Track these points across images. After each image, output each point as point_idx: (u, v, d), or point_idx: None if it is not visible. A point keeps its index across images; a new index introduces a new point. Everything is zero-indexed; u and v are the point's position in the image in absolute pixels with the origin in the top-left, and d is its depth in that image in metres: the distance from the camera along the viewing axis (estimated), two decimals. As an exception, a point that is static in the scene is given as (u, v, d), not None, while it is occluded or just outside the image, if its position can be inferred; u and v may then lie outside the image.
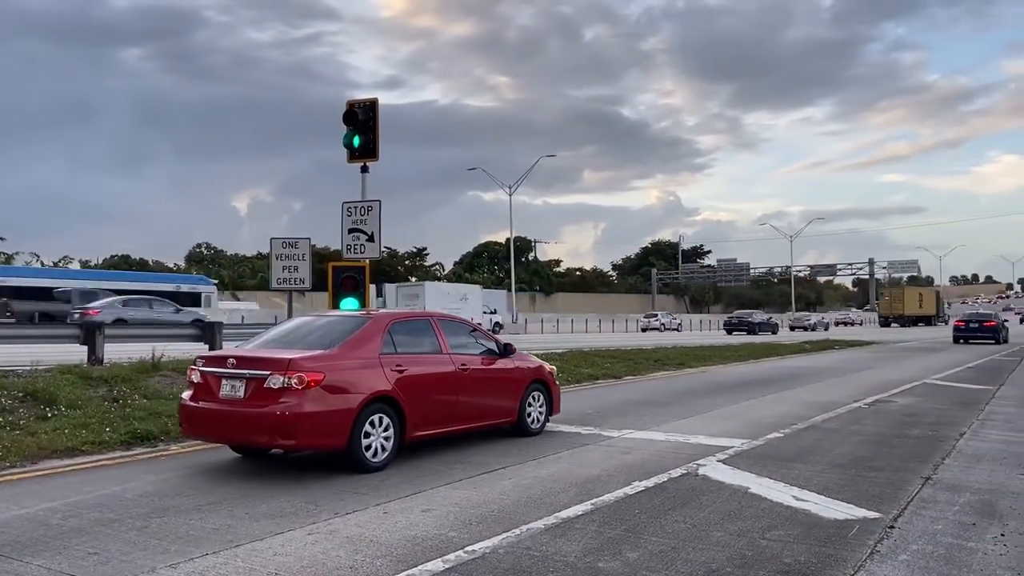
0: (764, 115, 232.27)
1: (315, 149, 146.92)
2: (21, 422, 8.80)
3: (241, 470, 7.52)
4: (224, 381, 7.29)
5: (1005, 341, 36.75)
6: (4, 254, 65.87)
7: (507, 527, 5.41)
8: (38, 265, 63.41)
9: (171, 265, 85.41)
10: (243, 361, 7.34)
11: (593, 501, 6.15)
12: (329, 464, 7.55)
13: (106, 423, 9.03)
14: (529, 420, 9.48)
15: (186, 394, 7.75)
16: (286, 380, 6.95)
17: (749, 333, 52.60)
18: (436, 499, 6.27)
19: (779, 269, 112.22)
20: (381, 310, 8.73)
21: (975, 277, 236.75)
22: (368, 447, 7.30)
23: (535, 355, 10.59)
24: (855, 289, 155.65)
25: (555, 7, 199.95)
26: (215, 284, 50.00)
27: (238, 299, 61.05)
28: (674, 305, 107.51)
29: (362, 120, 12.65)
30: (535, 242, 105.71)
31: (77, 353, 13.21)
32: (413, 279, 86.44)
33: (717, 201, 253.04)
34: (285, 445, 7.21)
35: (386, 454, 7.45)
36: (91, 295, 32.29)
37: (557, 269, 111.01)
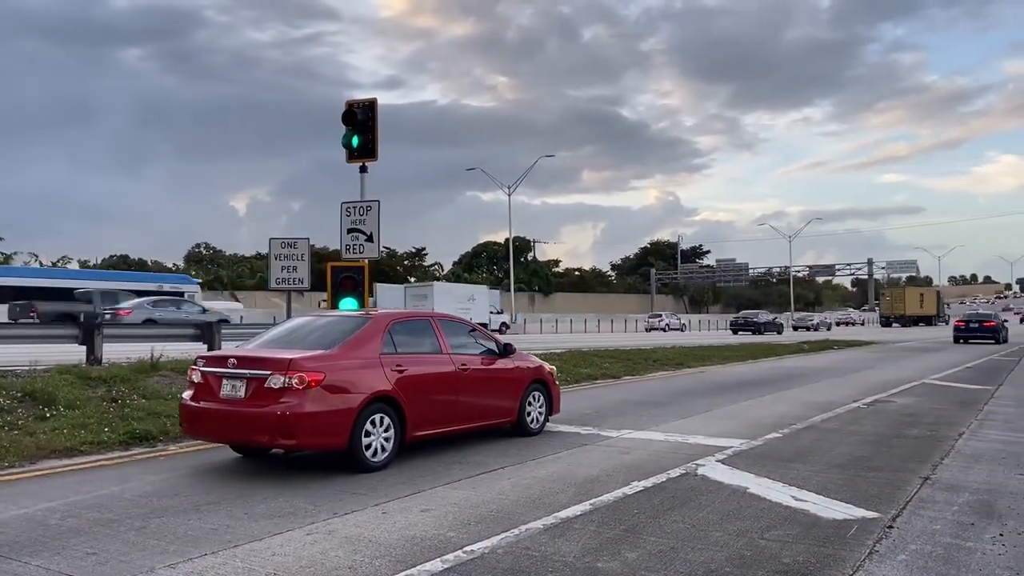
0: (763, 115, 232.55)
1: (314, 149, 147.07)
2: (20, 422, 8.79)
3: (240, 470, 7.51)
4: (225, 381, 7.30)
5: (1005, 341, 36.89)
6: (3, 254, 65.85)
7: (506, 527, 5.41)
8: (36, 265, 63.38)
9: (170, 265, 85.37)
10: (244, 361, 7.34)
11: (592, 501, 6.15)
12: (328, 464, 7.55)
13: (105, 423, 9.02)
14: (529, 420, 9.49)
15: (187, 394, 7.76)
16: (287, 380, 6.95)
17: (755, 333, 52.70)
18: (435, 499, 6.27)
19: (778, 269, 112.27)
20: (380, 310, 8.72)
21: (974, 277, 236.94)
22: (368, 446, 7.31)
23: (534, 355, 10.59)
24: (854, 289, 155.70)
25: (554, 7, 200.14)
26: (199, 283, 49.18)
27: (237, 299, 60.95)
28: (673, 305, 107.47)
29: (361, 120, 12.65)
30: (534, 242, 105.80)
31: (76, 353, 13.20)
32: (412, 279, 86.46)
33: (716, 201, 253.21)
34: (286, 445, 7.21)
35: (386, 454, 7.45)
36: (112, 296, 32.81)
37: (556, 269, 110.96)
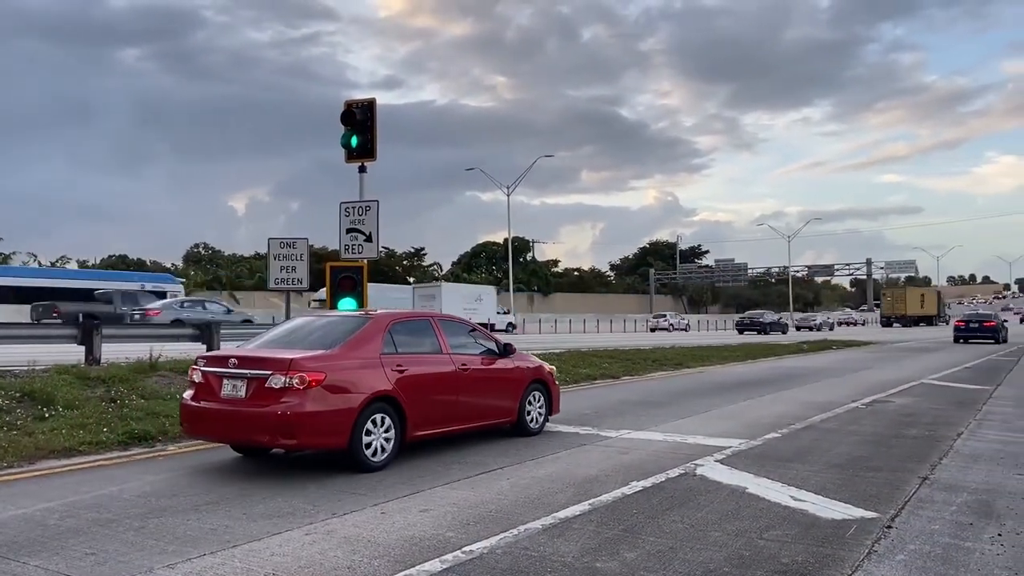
0: (762, 115, 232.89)
1: (313, 149, 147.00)
2: (18, 422, 8.79)
3: (239, 470, 7.51)
4: (225, 381, 7.31)
5: (1004, 341, 37.09)
6: (1, 254, 65.77)
7: (505, 527, 5.41)
8: (35, 265, 63.31)
9: (168, 265, 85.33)
10: (244, 361, 7.35)
11: (591, 501, 6.15)
12: (327, 464, 7.55)
13: (103, 423, 9.01)
14: (529, 420, 9.49)
15: (187, 394, 7.76)
16: (287, 380, 6.96)
17: (760, 333, 53.27)
18: (434, 499, 6.27)
19: (777, 269, 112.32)
20: (380, 310, 8.72)
21: (972, 277, 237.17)
22: (369, 446, 7.32)
23: (534, 355, 10.59)
24: (853, 289, 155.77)
25: (553, 7, 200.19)
26: (182, 283, 48.44)
27: (236, 300, 60.90)
28: (672, 305, 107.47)
29: (360, 120, 12.65)
30: (533, 242, 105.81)
31: (74, 353, 13.19)
32: (411, 279, 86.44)
33: (715, 201, 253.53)
34: (286, 445, 7.22)
35: (387, 454, 7.46)
36: (132, 296, 33.23)
37: (555, 269, 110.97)
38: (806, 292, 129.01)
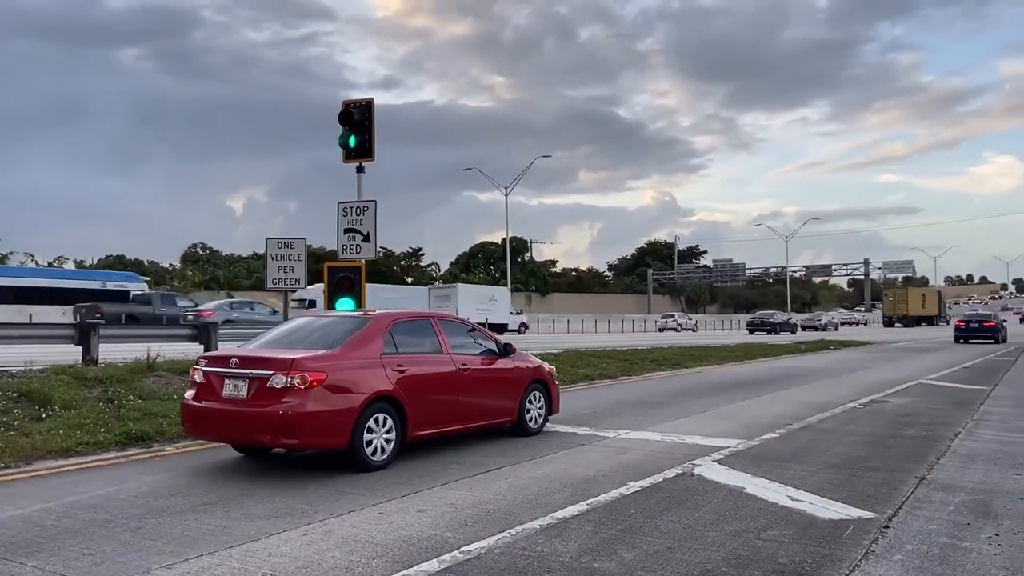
0: (760, 116, 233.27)
1: (311, 149, 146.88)
2: (15, 423, 8.77)
3: (237, 471, 7.50)
4: (227, 381, 7.32)
5: (1004, 341, 37.46)
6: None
7: (503, 527, 5.41)
8: (33, 265, 63.19)
9: (166, 265, 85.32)
10: (246, 361, 7.37)
11: (589, 501, 6.15)
12: (325, 464, 7.55)
13: (101, 424, 9.00)
14: (529, 420, 9.50)
15: (189, 394, 7.77)
16: (289, 380, 6.98)
17: (770, 333, 54.29)
18: (432, 499, 6.26)
19: (775, 269, 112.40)
20: (379, 311, 8.72)
21: (970, 278, 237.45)
22: (369, 444, 7.33)
23: (533, 355, 10.59)
24: (850, 289, 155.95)
25: (551, 7, 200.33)
26: (146, 281, 47.52)
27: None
28: (670, 305, 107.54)
29: (358, 120, 12.64)
30: (531, 242, 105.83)
31: (72, 353, 13.17)
32: (409, 280, 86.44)
33: (713, 202, 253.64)
34: (288, 444, 7.23)
35: (388, 454, 7.48)
36: (170, 298, 33.84)
37: (553, 269, 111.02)
38: (804, 292, 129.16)
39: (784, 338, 44.92)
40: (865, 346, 34.61)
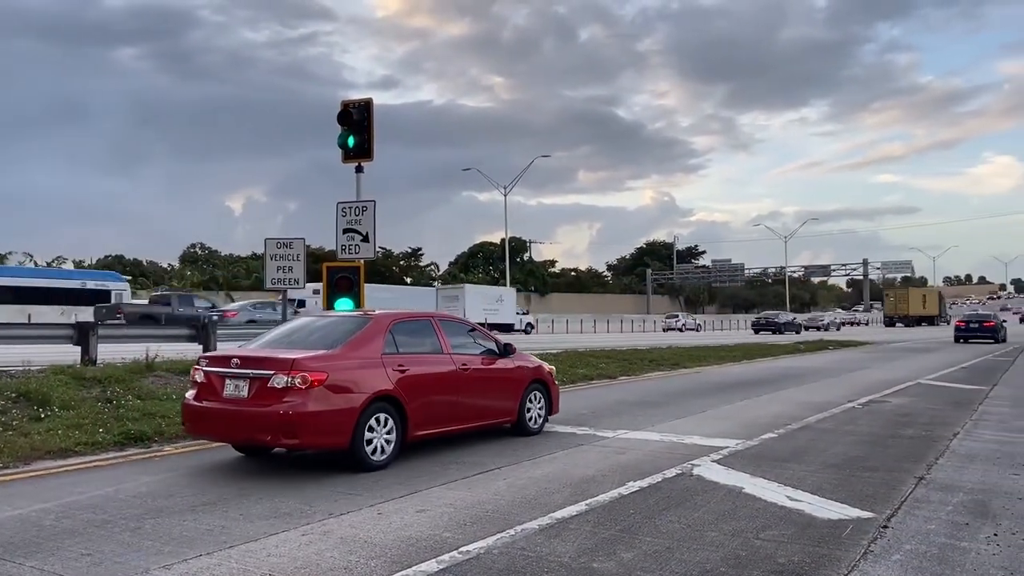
0: (759, 116, 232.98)
1: (310, 149, 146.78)
2: (14, 423, 8.77)
3: (235, 471, 7.50)
4: (228, 381, 7.33)
5: (1003, 340, 37.73)
6: (-3, 254, 65.58)
7: (501, 527, 5.41)
8: (31, 265, 63.14)
9: (165, 265, 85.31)
10: (247, 361, 7.38)
11: (588, 501, 6.15)
12: (324, 465, 7.55)
13: (99, 424, 9.00)
14: (529, 420, 9.51)
15: (190, 393, 7.79)
16: (290, 380, 6.99)
17: (775, 332, 54.78)
18: (431, 499, 6.26)
19: (773, 270, 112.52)
20: (379, 311, 8.71)
21: (968, 278, 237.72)
22: (370, 443, 7.34)
23: (533, 355, 10.59)
24: (849, 290, 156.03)
25: (550, 7, 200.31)
26: (127, 281, 46.87)
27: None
28: (669, 305, 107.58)
29: (357, 120, 12.64)
30: (530, 242, 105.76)
31: (71, 354, 13.16)
32: (408, 280, 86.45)
33: (712, 202, 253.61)
34: (289, 444, 7.24)
35: (388, 453, 7.49)
36: (188, 299, 34.17)
37: (552, 269, 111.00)
38: (802, 292, 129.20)
39: (783, 338, 45.04)
40: (864, 346, 34.65)
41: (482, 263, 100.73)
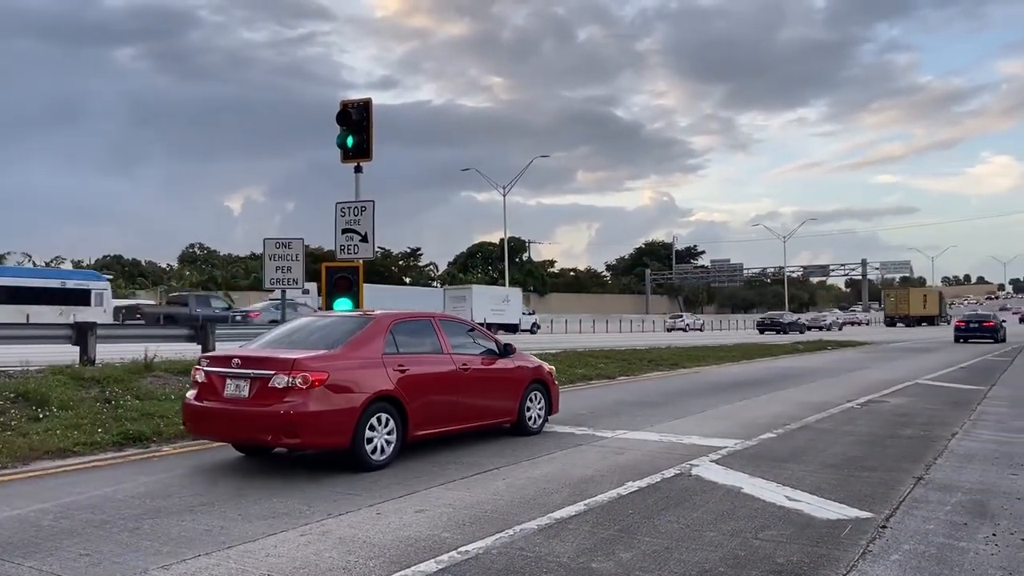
0: (757, 116, 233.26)
1: (309, 149, 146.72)
2: (12, 423, 8.76)
3: (234, 471, 7.50)
4: (229, 381, 7.34)
5: (1003, 340, 37.93)
6: (-4, 254, 65.49)
7: (500, 528, 5.41)
8: (30, 265, 63.08)
9: (163, 265, 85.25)
10: (248, 361, 7.39)
11: (586, 501, 6.15)
12: (322, 465, 7.54)
13: (98, 424, 8.99)
14: (529, 420, 9.52)
15: (190, 393, 7.80)
16: (291, 380, 7.00)
17: (780, 332, 55.54)
18: (429, 500, 6.26)
19: (772, 270, 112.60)
20: (379, 311, 8.71)
21: (967, 278, 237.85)
22: (371, 442, 7.35)
23: (532, 355, 10.59)
24: (848, 290, 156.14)
25: (549, 8, 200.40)
26: (108, 280, 45.79)
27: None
28: (668, 306, 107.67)
29: (356, 120, 12.64)
30: (529, 242, 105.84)
31: (69, 354, 13.15)
32: (407, 280, 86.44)
33: (711, 202, 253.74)
34: (289, 444, 7.24)
35: (388, 453, 7.50)
36: (204, 300, 34.47)
37: (551, 269, 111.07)
38: (801, 292, 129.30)
39: (783, 338, 45.13)
40: (863, 346, 34.67)
41: (481, 263, 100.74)
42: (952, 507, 6.09)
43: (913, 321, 76.21)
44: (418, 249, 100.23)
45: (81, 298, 36.64)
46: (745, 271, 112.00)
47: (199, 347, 14.41)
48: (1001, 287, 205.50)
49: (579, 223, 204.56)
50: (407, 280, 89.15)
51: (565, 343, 31.49)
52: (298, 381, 6.99)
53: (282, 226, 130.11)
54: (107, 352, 13.56)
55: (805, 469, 7.49)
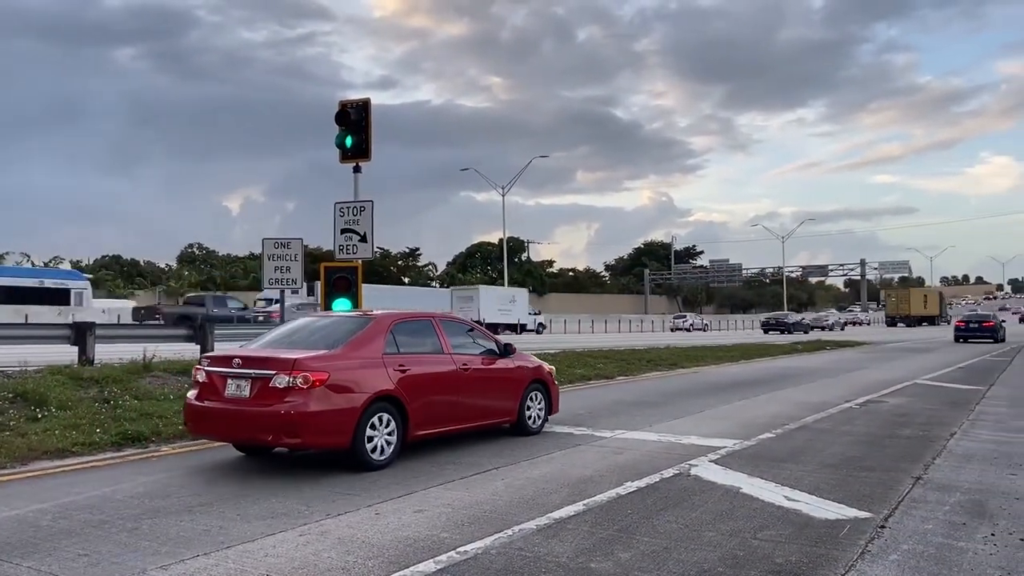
0: (756, 116, 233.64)
1: (308, 149, 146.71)
2: (11, 423, 8.75)
3: (233, 471, 7.49)
4: (230, 380, 7.34)
5: (1002, 340, 38.11)
6: (-6, 254, 65.43)
7: (499, 528, 5.41)
8: (28, 265, 63.02)
9: (162, 265, 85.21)
10: (249, 361, 7.39)
11: (585, 501, 6.15)
12: (321, 465, 7.54)
13: (97, 424, 8.98)
14: (529, 420, 9.52)
15: (191, 393, 7.81)
16: (291, 379, 7.01)
17: (784, 332, 56.16)
18: (428, 500, 6.26)
19: (771, 270, 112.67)
20: (378, 311, 8.71)
21: (965, 278, 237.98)
22: (371, 442, 7.36)
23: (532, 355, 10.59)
24: (847, 290, 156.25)
25: (548, 8, 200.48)
26: (88, 279, 45.84)
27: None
28: (667, 306, 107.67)
29: (354, 120, 12.64)
30: (528, 242, 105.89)
31: (68, 354, 13.15)
32: (406, 280, 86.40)
33: (709, 202, 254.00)
34: (290, 444, 7.25)
35: (388, 454, 7.50)
36: (222, 300, 35.15)
37: (550, 270, 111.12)
38: (800, 292, 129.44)
39: (783, 338, 45.13)
40: (861, 346, 34.68)
41: (480, 263, 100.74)
42: (951, 507, 6.09)
43: (914, 321, 76.76)
44: (417, 249, 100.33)
45: (61, 297, 36.41)
46: (744, 271, 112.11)
47: (197, 347, 14.41)
48: (1000, 287, 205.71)
49: (578, 223, 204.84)
50: (406, 280, 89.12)
51: (564, 343, 31.48)
52: (299, 381, 7.00)
53: (281, 226, 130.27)
54: (106, 352, 13.55)
55: (804, 469, 7.49)
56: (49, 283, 38.45)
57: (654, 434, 9.60)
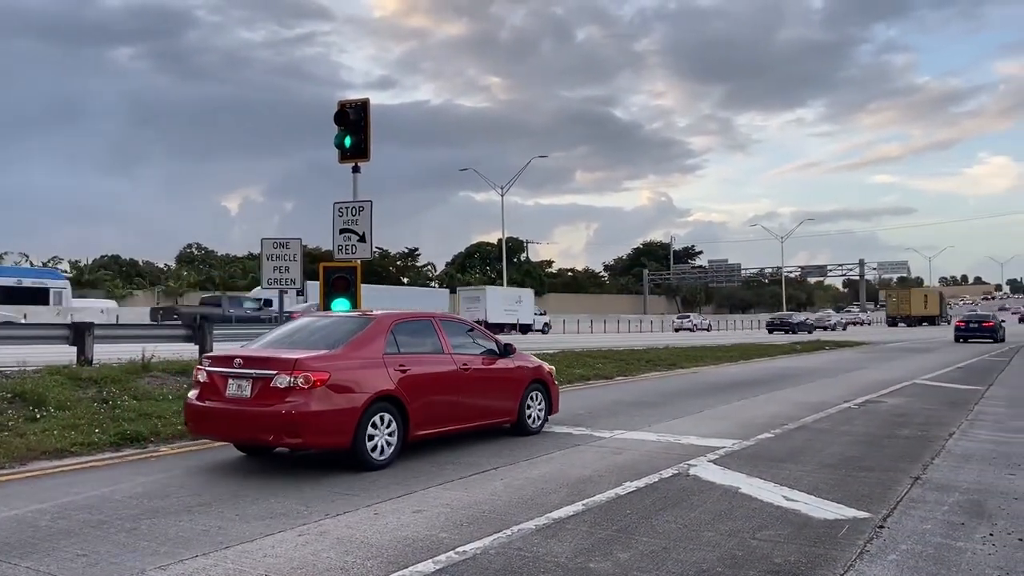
0: (756, 116, 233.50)
1: (307, 149, 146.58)
2: (10, 423, 8.75)
3: (232, 471, 7.49)
4: (231, 380, 7.35)
5: (1002, 340, 38.22)
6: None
7: (498, 528, 5.41)
8: (27, 265, 62.96)
9: (161, 265, 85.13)
10: (249, 361, 7.40)
11: (584, 502, 6.15)
12: (321, 465, 7.54)
13: (95, 424, 8.98)
14: (529, 420, 9.53)
15: (192, 393, 7.81)
16: (292, 379, 7.02)
17: (789, 332, 56.46)
18: (427, 500, 6.26)
19: (770, 270, 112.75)
20: (378, 311, 8.71)
21: (964, 278, 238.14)
22: (371, 440, 7.37)
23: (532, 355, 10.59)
24: (846, 290, 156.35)
25: (547, 8, 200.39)
26: (67, 279, 44.97)
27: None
28: (666, 306, 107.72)
29: (353, 120, 12.64)
30: (527, 242, 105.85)
31: (67, 354, 13.14)
32: (405, 280, 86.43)
33: (709, 202, 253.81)
34: (291, 444, 7.25)
35: (389, 453, 7.51)
36: (237, 300, 35.56)
37: (549, 270, 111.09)
38: (799, 292, 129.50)
39: (783, 338, 45.15)
40: (860, 346, 34.71)
41: (479, 263, 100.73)
42: (949, 507, 6.09)
43: (914, 321, 77.14)
44: (416, 249, 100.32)
45: (40, 297, 35.99)
46: (743, 271, 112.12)
47: (196, 347, 14.40)
48: (998, 287, 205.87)
49: (577, 223, 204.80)
50: (405, 280, 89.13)
51: (563, 343, 31.50)
52: (300, 381, 7.01)
53: (280, 226, 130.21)
54: (104, 352, 13.54)
55: (803, 469, 7.49)
56: (28, 283, 37.65)
57: (653, 434, 9.61)
